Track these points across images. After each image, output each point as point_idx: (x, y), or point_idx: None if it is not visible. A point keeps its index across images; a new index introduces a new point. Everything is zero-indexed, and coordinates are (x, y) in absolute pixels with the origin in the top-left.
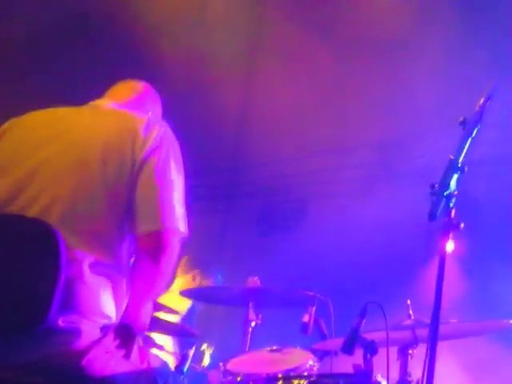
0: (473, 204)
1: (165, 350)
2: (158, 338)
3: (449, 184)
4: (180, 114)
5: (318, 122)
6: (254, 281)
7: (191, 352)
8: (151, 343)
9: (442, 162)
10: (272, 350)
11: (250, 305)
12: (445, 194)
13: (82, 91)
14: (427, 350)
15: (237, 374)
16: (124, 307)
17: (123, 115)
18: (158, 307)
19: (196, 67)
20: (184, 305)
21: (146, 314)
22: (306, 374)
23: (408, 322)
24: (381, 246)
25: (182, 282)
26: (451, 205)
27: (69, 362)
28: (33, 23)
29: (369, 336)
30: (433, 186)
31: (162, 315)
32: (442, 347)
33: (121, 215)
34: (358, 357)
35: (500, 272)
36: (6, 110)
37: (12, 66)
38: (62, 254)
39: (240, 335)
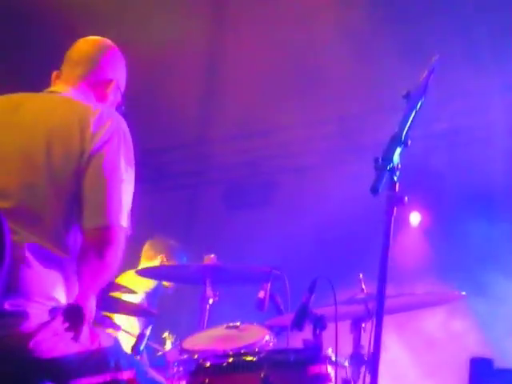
0: (436, 176)
1: (123, 329)
2: (117, 318)
3: (392, 158)
4: (145, 89)
5: (285, 95)
6: (211, 258)
7: (148, 331)
8: (109, 323)
9: None
10: (229, 327)
11: (207, 282)
12: (388, 167)
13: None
14: (374, 323)
15: (193, 352)
16: (75, 291)
17: (75, 105)
18: (117, 287)
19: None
20: (143, 285)
21: (90, 307)
22: (256, 349)
23: (361, 296)
24: (344, 221)
25: (146, 265)
26: (395, 178)
27: (16, 344)
28: None
29: (320, 311)
30: (376, 160)
31: (120, 295)
32: (392, 320)
33: (68, 204)
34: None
35: (463, 242)
36: None
37: None
38: (7, 237)
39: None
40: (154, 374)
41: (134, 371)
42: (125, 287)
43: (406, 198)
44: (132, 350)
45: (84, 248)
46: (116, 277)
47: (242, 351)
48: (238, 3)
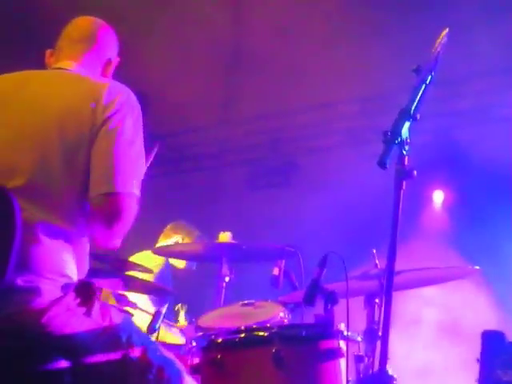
0: (460, 155)
1: (138, 307)
2: (132, 296)
3: (400, 131)
4: (165, 71)
5: (306, 75)
6: (226, 235)
7: (164, 309)
8: (125, 301)
9: None
10: (244, 304)
11: (223, 260)
12: (396, 141)
13: None
14: (383, 298)
15: (208, 330)
16: (86, 266)
17: (85, 81)
18: (132, 266)
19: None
20: (158, 263)
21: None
22: (268, 325)
23: (374, 272)
24: (363, 201)
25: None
26: (404, 152)
27: (29, 320)
28: None
29: (333, 286)
30: (385, 134)
31: (135, 274)
32: (406, 294)
33: (81, 180)
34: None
35: (489, 220)
36: None
37: None
38: (17, 214)
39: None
40: (163, 350)
41: (145, 347)
42: (140, 266)
43: (415, 172)
44: (148, 327)
45: (90, 216)
46: (131, 255)
47: (254, 327)
48: None
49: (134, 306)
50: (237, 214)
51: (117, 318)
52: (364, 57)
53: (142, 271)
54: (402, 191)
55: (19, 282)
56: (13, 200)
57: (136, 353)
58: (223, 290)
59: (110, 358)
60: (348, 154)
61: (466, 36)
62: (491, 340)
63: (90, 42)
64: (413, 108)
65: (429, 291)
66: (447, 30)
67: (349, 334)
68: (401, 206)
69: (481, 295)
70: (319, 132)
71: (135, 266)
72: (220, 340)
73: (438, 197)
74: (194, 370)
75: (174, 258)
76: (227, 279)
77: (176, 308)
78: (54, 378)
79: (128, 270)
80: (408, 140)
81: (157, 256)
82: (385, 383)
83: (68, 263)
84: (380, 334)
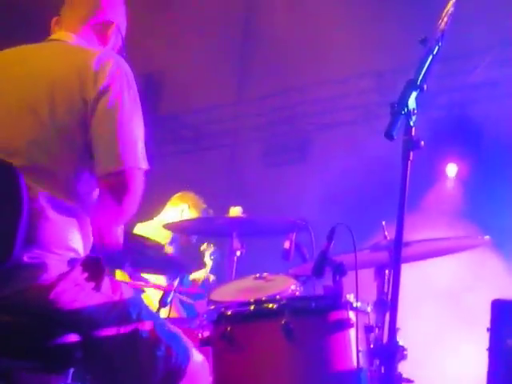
0: (473, 128)
1: (150, 282)
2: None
3: (407, 102)
4: (181, 49)
5: (321, 51)
6: (237, 210)
7: (175, 283)
8: (137, 276)
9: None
10: (256, 278)
11: (234, 234)
12: (403, 112)
13: None
14: (392, 269)
15: (220, 303)
16: (90, 241)
17: (74, 52)
18: (143, 241)
19: None
20: (165, 237)
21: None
22: (277, 297)
23: (384, 243)
24: (377, 175)
25: (170, 214)
26: (411, 123)
27: (37, 296)
28: None
29: (343, 258)
30: (392, 106)
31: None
32: (417, 266)
33: (78, 155)
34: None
35: (501, 192)
36: None
37: None
38: (23, 190)
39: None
40: (172, 326)
41: (154, 323)
42: (150, 240)
43: (422, 143)
44: (159, 302)
45: (100, 195)
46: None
47: (263, 299)
48: None
49: (146, 281)
50: (252, 191)
51: (127, 293)
52: (377, 32)
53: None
54: (409, 162)
55: (26, 258)
56: (18, 176)
57: (146, 328)
58: (234, 264)
59: (120, 332)
60: (361, 130)
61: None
62: (501, 309)
63: (91, 5)
64: (420, 78)
65: (439, 262)
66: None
67: (358, 304)
68: (408, 177)
69: (491, 265)
70: (334, 108)
71: (146, 241)
72: (230, 313)
73: (452, 170)
74: (205, 343)
75: (184, 233)
76: (238, 253)
77: (202, 249)
78: (65, 353)
79: (138, 246)
80: (415, 111)
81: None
82: (395, 353)
83: (74, 237)
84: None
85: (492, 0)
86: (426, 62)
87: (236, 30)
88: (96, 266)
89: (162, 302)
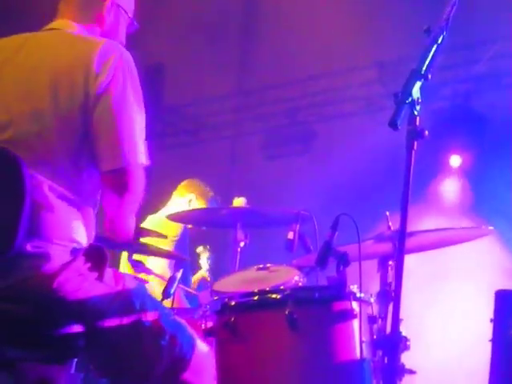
0: (477, 120)
1: (153, 273)
2: (147, 262)
3: (411, 91)
4: (184, 42)
5: (323, 42)
6: (241, 201)
7: (178, 275)
8: (140, 268)
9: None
10: (259, 269)
11: (238, 225)
12: (407, 101)
13: None
14: (395, 259)
15: (223, 294)
16: (93, 233)
17: (77, 42)
18: (147, 232)
19: None
20: (174, 229)
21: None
22: (281, 287)
23: (387, 234)
24: (381, 167)
25: (176, 204)
26: (415, 112)
27: (40, 285)
28: None
29: (346, 248)
30: (397, 95)
31: (151, 240)
32: (422, 256)
33: (77, 145)
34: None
35: (505, 183)
36: None
37: None
38: (26, 180)
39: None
40: (176, 316)
41: (158, 313)
42: (155, 232)
43: (426, 132)
44: (163, 293)
45: (103, 191)
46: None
47: (267, 289)
48: None
49: (149, 272)
50: (254, 183)
51: (130, 283)
52: (380, 21)
53: (157, 237)
54: (413, 152)
55: (28, 247)
56: (22, 165)
57: (149, 318)
58: (238, 255)
59: (124, 322)
60: (364, 121)
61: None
62: (505, 300)
63: None
64: (424, 68)
65: (442, 252)
66: None
67: (362, 295)
68: (412, 167)
69: (495, 255)
70: (336, 99)
71: (149, 233)
72: (233, 303)
73: (455, 161)
74: (208, 333)
75: (188, 223)
76: (242, 244)
77: (197, 250)
78: (68, 343)
79: (143, 237)
80: (419, 100)
81: None
82: (398, 344)
83: (76, 228)
84: (393, 295)
85: None
86: (430, 51)
87: (238, 22)
88: (99, 255)
89: (166, 293)
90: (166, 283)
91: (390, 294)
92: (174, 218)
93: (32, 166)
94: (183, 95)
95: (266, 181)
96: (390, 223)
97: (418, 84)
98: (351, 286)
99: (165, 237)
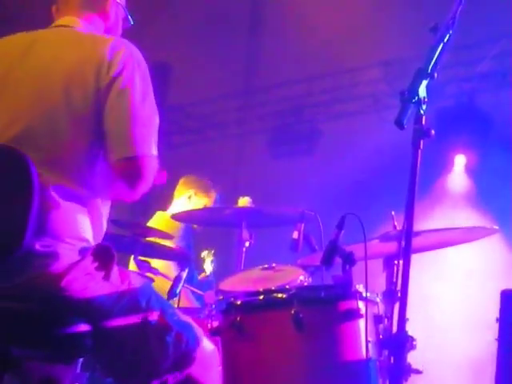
0: (483, 118)
1: (159, 273)
2: (153, 261)
3: (417, 90)
4: (188, 41)
5: (329, 41)
6: (246, 200)
7: (184, 274)
8: (146, 267)
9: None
10: (264, 268)
11: (243, 225)
12: (413, 100)
13: None
14: (402, 259)
15: (229, 293)
16: (102, 231)
17: (88, 41)
18: (152, 232)
19: None
20: (178, 228)
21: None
22: (287, 287)
23: (393, 233)
24: (386, 166)
25: (177, 204)
26: (422, 111)
27: (48, 284)
28: None
29: (352, 247)
30: (403, 94)
31: (156, 240)
32: (427, 256)
33: (90, 142)
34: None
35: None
36: None
37: None
38: (35, 179)
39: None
40: (182, 314)
41: (164, 311)
42: (160, 231)
43: (433, 131)
44: (168, 292)
45: (114, 180)
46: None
47: (273, 288)
48: None
49: (155, 271)
50: (260, 182)
51: (136, 282)
52: (386, 19)
53: (162, 237)
54: (419, 151)
55: (37, 246)
56: (30, 165)
57: (155, 316)
58: (243, 255)
59: (130, 321)
60: (370, 119)
61: None
62: (510, 299)
63: None
64: (430, 66)
65: (449, 252)
66: None
67: (367, 294)
68: (419, 166)
69: (501, 255)
70: (342, 98)
71: (155, 232)
72: (239, 302)
73: (460, 161)
74: (214, 333)
75: (193, 223)
76: (247, 244)
77: (202, 255)
78: (75, 342)
79: (148, 236)
80: (426, 99)
81: None
82: (404, 344)
83: (85, 227)
84: (399, 295)
85: None
86: (436, 49)
87: (244, 21)
88: (106, 255)
89: (171, 293)
90: (171, 282)
91: (396, 294)
92: (179, 217)
93: (42, 166)
94: (189, 94)
95: (271, 179)
96: (396, 222)
97: (425, 83)
98: (357, 286)
99: (171, 237)
